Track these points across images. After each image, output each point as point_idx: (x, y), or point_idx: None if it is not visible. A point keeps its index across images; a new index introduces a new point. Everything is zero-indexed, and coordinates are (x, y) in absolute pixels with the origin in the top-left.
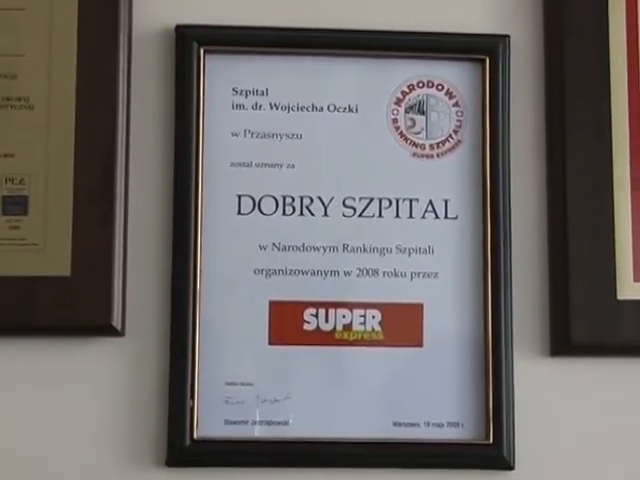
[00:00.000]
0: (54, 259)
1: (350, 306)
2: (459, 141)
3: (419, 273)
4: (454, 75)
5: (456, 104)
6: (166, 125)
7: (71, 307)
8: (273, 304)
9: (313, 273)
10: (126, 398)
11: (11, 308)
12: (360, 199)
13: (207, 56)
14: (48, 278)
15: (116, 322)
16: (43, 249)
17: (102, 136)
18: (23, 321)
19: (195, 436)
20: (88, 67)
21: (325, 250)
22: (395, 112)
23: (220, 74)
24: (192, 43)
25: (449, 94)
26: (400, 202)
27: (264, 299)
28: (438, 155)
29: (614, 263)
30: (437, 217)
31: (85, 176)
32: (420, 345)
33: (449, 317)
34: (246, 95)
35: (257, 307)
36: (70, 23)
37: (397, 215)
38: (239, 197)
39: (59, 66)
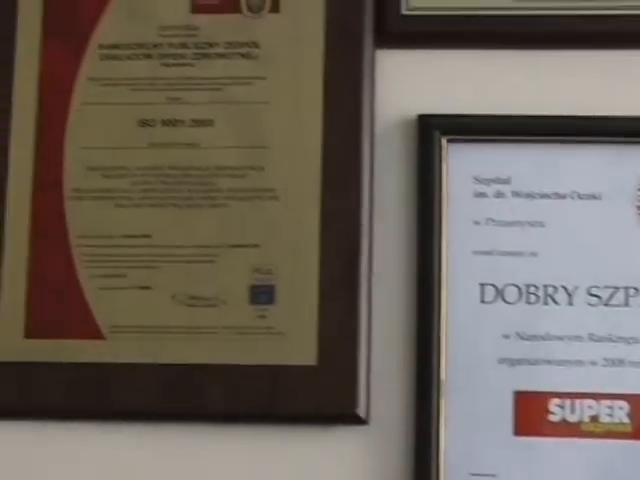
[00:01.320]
0: (300, 348)
1: (597, 397)
2: None
3: None
4: None
5: None
6: (409, 213)
7: (316, 396)
8: (518, 394)
9: (558, 363)
10: None
11: (256, 396)
12: (605, 287)
13: (449, 145)
14: (294, 367)
15: (361, 411)
16: (289, 338)
17: (346, 224)
18: (268, 409)
19: None
20: (332, 157)
21: (570, 339)
22: None
23: (462, 163)
24: (434, 132)
25: None
26: None
27: (509, 389)
28: None
29: None
30: None
31: (330, 265)
32: None
33: None
34: (488, 184)
35: (502, 397)
36: (314, 115)
37: None
38: (482, 285)
39: (304, 157)
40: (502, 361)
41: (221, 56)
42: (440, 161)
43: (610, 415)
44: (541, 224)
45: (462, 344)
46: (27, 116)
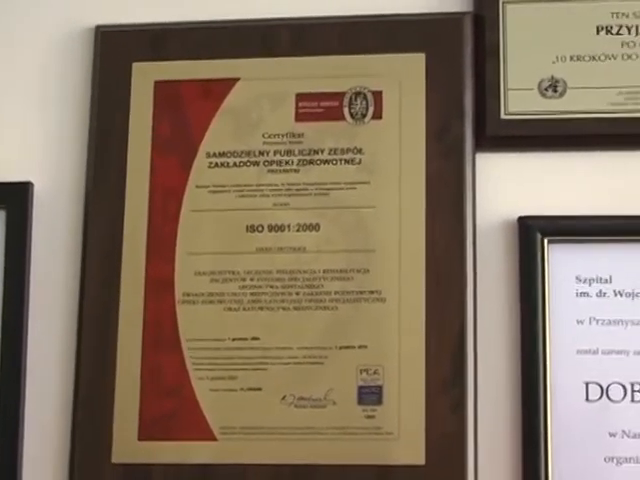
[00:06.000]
0: (408, 448)
1: None
2: None
3: None
4: None
5: None
6: (511, 313)
7: None
8: None
9: None
10: None
11: None
12: None
13: (550, 246)
14: (403, 467)
15: None
16: (397, 438)
17: (452, 325)
18: None
19: None
20: (436, 259)
21: None
22: None
23: (563, 263)
24: (535, 234)
25: None
26: None
27: None
28: None
29: None
30: None
31: (436, 365)
32: None
33: None
34: (590, 283)
35: None
36: (417, 218)
37: None
38: (586, 384)
39: (408, 259)
40: (609, 460)
41: (326, 162)
42: (542, 262)
43: None
44: None
45: (568, 442)
46: (139, 223)
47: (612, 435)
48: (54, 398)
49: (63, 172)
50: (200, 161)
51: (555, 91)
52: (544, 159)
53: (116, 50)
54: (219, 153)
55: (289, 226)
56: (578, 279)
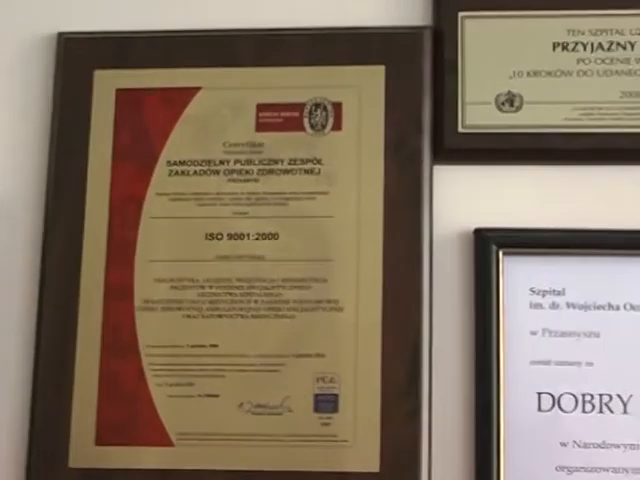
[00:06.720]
0: (363, 455)
1: None
2: None
3: None
4: None
5: None
6: (467, 323)
7: None
8: None
9: (614, 470)
10: None
11: None
12: None
13: (505, 258)
14: (357, 474)
15: None
16: (353, 446)
17: (407, 335)
18: None
19: None
20: (393, 270)
21: (626, 448)
22: None
23: (518, 275)
24: (491, 245)
25: None
26: None
27: None
28: None
29: None
30: None
31: (392, 374)
32: None
33: None
34: (543, 295)
35: None
36: (375, 228)
37: None
38: (539, 394)
39: (366, 269)
40: (560, 469)
41: (285, 172)
42: (497, 273)
43: None
44: (596, 334)
45: (521, 452)
46: (98, 230)
47: (563, 445)
48: (11, 402)
49: (23, 178)
50: (160, 169)
51: (512, 105)
52: (500, 172)
53: (78, 57)
54: (180, 161)
55: (248, 235)
56: (532, 291)
